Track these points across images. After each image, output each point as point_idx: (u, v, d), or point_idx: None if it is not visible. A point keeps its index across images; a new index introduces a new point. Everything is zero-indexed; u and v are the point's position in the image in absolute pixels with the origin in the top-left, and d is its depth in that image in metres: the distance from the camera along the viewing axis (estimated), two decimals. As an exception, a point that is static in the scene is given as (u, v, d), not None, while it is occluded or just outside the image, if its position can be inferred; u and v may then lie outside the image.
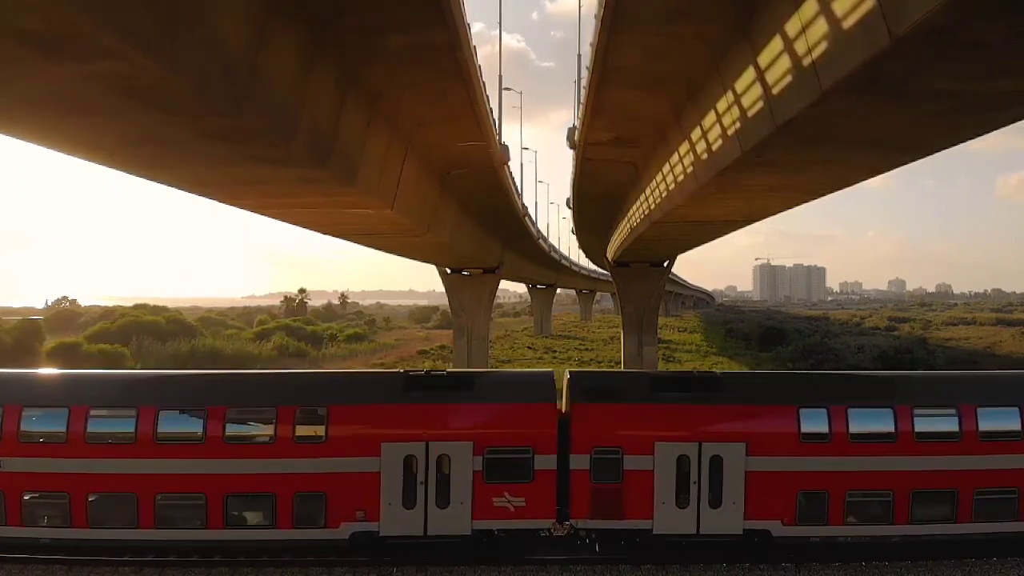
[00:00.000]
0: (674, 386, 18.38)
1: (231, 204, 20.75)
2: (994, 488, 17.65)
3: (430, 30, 14.66)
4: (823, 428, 17.53)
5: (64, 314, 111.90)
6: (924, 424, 17.68)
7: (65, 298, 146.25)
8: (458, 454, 17.11)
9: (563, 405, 18.69)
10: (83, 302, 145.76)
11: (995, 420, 17.83)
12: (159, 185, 18.00)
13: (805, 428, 17.52)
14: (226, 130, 12.82)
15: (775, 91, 13.98)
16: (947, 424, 17.70)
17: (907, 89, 12.06)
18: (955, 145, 16.22)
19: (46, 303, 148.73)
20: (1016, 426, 17.78)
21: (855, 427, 17.60)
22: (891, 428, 17.59)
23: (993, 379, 21.82)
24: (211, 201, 20.95)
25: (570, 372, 19.19)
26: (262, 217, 24.40)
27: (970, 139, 15.84)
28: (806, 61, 12.38)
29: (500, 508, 17.22)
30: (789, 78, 13.20)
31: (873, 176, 20.15)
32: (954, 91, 12.16)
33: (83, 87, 10.21)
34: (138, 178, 17.05)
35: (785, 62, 13.16)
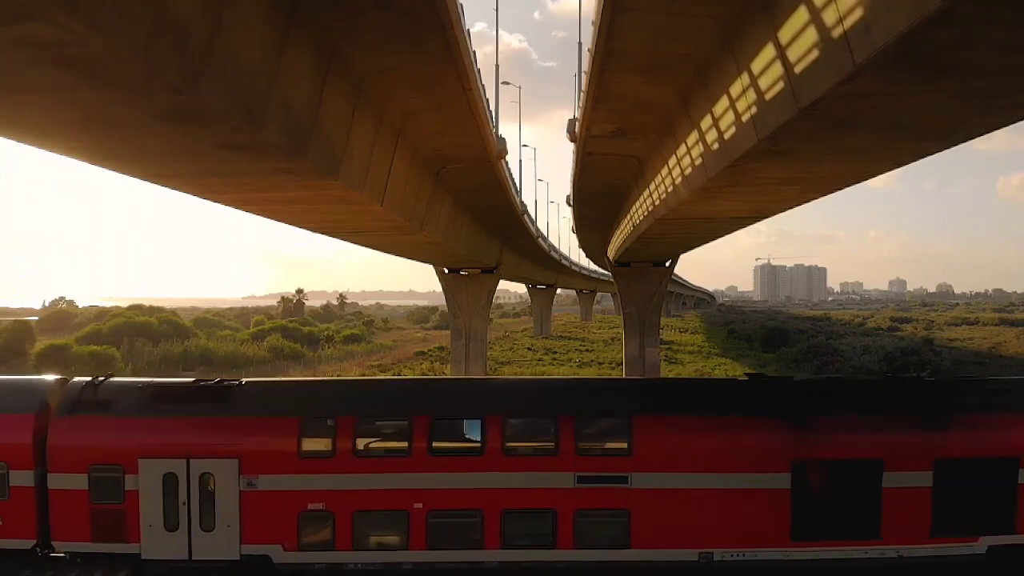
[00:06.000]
0: None
1: (204, 198, 19.27)
2: None
3: (414, 5, 13.28)
4: None
5: (59, 315, 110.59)
6: None
7: (62, 298, 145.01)
8: None
9: None
10: (81, 303, 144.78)
11: None
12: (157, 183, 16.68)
13: None
14: (183, 111, 11.36)
15: (798, 69, 12.55)
16: None
17: (950, 63, 10.66)
18: (991, 131, 14.83)
19: (43, 303, 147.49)
20: None
21: None
22: None
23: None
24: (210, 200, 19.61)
25: None
26: (262, 216, 23.09)
27: (1005, 125, 14.50)
28: (836, 32, 10.96)
29: None
30: (816, 53, 11.77)
31: (895, 168, 18.77)
32: (998, 67, 10.82)
33: (5, 56, 8.81)
34: (104, 169, 15.68)
35: (811, 35, 11.72)
